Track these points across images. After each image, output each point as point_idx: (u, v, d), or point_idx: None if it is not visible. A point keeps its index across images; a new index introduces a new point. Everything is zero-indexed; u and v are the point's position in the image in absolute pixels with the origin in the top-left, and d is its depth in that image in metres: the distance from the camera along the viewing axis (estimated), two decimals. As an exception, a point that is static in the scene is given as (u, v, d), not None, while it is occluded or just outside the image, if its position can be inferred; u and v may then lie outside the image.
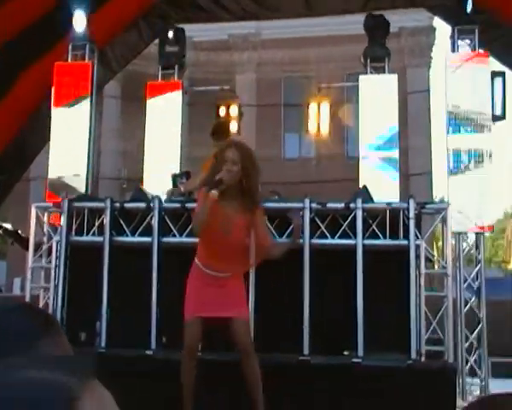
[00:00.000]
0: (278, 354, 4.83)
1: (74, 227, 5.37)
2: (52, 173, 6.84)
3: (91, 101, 6.83)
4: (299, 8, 7.32)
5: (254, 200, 3.73)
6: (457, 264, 5.90)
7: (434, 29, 16.95)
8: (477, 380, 5.79)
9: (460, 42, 6.51)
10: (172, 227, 5.24)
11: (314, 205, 5.10)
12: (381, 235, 5.11)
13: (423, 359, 4.96)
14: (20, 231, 8.57)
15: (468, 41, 6.56)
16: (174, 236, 5.24)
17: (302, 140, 16.59)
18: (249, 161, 3.71)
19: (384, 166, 6.91)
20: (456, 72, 6.35)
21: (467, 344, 5.73)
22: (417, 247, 5.09)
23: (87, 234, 5.36)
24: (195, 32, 13.56)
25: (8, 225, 8.89)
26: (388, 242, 5.10)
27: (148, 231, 5.21)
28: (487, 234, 11.17)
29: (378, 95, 7.03)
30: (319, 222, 5.12)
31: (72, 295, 5.25)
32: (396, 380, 4.74)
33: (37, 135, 7.25)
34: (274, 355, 4.81)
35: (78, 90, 6.83)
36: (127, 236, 5.28)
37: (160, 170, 7.28)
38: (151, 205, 5.22)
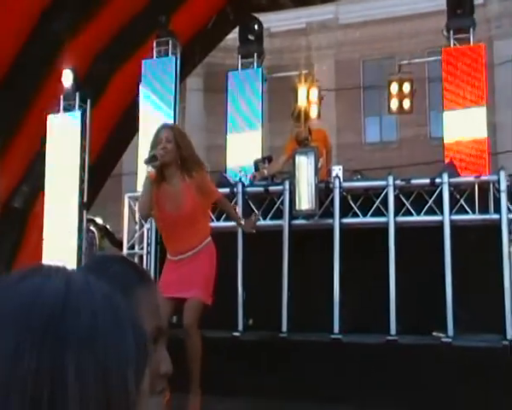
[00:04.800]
0: (367, 335, 4.81)
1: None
2: (141, 167, 7.15)
3: (175, 95, 7.07)
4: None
5: (190, 168, 3.83)
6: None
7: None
8: None
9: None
10: (256, 211, 5.34)
11: (398, 182, 5.02)
12: (469, 210, 4.94)
13: (521, 339, 4.75)
14: (108, 227, 9.02)
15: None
16: (258, 219, 5.34)
17: (383, 123, 16.24)
18: (181, 137, 3.86)
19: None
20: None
21: None
22: (510, 221, 4.88)
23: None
24: (272, 22, 13.60)
25: (98, 220, 9.35)
26: (478, 216, 4.93)
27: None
28: None
29: (463, 67, 6.72)
30: (404, 199, 5.04)
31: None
32: (490, 361, 4.57)
33: (127, 130, 7.63)
34: (362, 336, 4.80)
35: (164, 86, 7.09)
36: (213, 221, 5.43)
37: (242, 161, 7.40)
38: (235, 190, 5.34)
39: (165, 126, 3.97)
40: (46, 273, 0.49)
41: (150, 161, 3.72)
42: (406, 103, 8.75)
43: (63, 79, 7.36)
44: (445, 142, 6.61)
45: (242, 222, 4.29)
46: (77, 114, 7.51)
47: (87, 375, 0.44)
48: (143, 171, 7.13)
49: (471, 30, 6.89)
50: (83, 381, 0.44)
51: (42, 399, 0.42)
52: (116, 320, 0.49)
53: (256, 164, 6.20)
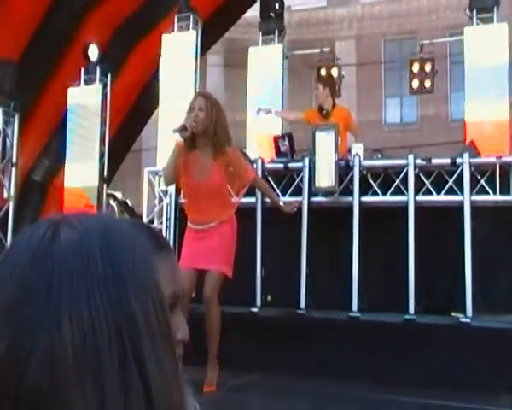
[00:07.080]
0: (383, 314, 4.83)
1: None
2: (161, 142, 7.18)
3: (195, 70, 7.05)
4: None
5: (222, 142, 3.76)
6: None
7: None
8: None
9: None
10: (275, 187, 5.35)
11: (418, 161, 4.99)
12: (490, 191, 4.91)
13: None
14: (127, 201, 9.10)
15: None
16: (277, 196, 5.34)
17: (403, 103, 16.07)
18: (215, 107, 3.76)
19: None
20: None
21: None
22: (532, 203, 4.83)
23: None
24: (292, 0, 13.45)
25: (118, 195, 9.43)
26: (499, 198, 4.89)
27: (252, 192, 5.34)
28: None
29: (486, 48, 6.59)
30: (424, 179, 5.01)
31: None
32: (509, 342, 4.55)
33: (147, 105, 7.64)
34: (379, 315, 4.82)
35: (184, 61, 7.07)
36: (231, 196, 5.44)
37: (261, 137, 7.39)
38: (254, 166, 5.34)
39: (199, 95, 3.93)
40: (78, 225, 0.50)
41: (180, 130, 3.70)
42: (427, 83, 8.64)
43: (89, 53, 7.38)
44: (466, 122, 6.52)
45: (281, 204, 4.23)
46: (97, 87, 7.54)
47: (146, 303, 0.49)
48: (163, 146, 7.21)
49: (495, 9, 6.76)
50: (145, 309, 0.49)
51: (123, 331, 0.46)
52: (145, 257, 0.53)
53: (276, 141, 6.17)
